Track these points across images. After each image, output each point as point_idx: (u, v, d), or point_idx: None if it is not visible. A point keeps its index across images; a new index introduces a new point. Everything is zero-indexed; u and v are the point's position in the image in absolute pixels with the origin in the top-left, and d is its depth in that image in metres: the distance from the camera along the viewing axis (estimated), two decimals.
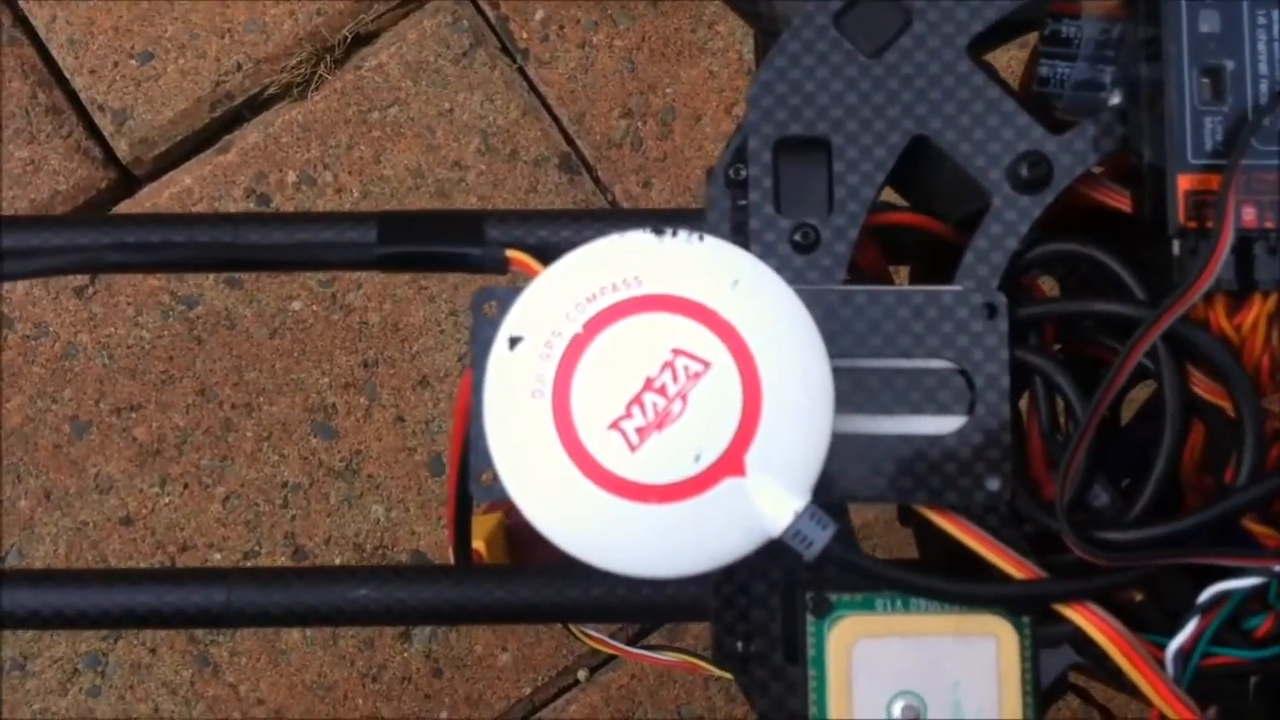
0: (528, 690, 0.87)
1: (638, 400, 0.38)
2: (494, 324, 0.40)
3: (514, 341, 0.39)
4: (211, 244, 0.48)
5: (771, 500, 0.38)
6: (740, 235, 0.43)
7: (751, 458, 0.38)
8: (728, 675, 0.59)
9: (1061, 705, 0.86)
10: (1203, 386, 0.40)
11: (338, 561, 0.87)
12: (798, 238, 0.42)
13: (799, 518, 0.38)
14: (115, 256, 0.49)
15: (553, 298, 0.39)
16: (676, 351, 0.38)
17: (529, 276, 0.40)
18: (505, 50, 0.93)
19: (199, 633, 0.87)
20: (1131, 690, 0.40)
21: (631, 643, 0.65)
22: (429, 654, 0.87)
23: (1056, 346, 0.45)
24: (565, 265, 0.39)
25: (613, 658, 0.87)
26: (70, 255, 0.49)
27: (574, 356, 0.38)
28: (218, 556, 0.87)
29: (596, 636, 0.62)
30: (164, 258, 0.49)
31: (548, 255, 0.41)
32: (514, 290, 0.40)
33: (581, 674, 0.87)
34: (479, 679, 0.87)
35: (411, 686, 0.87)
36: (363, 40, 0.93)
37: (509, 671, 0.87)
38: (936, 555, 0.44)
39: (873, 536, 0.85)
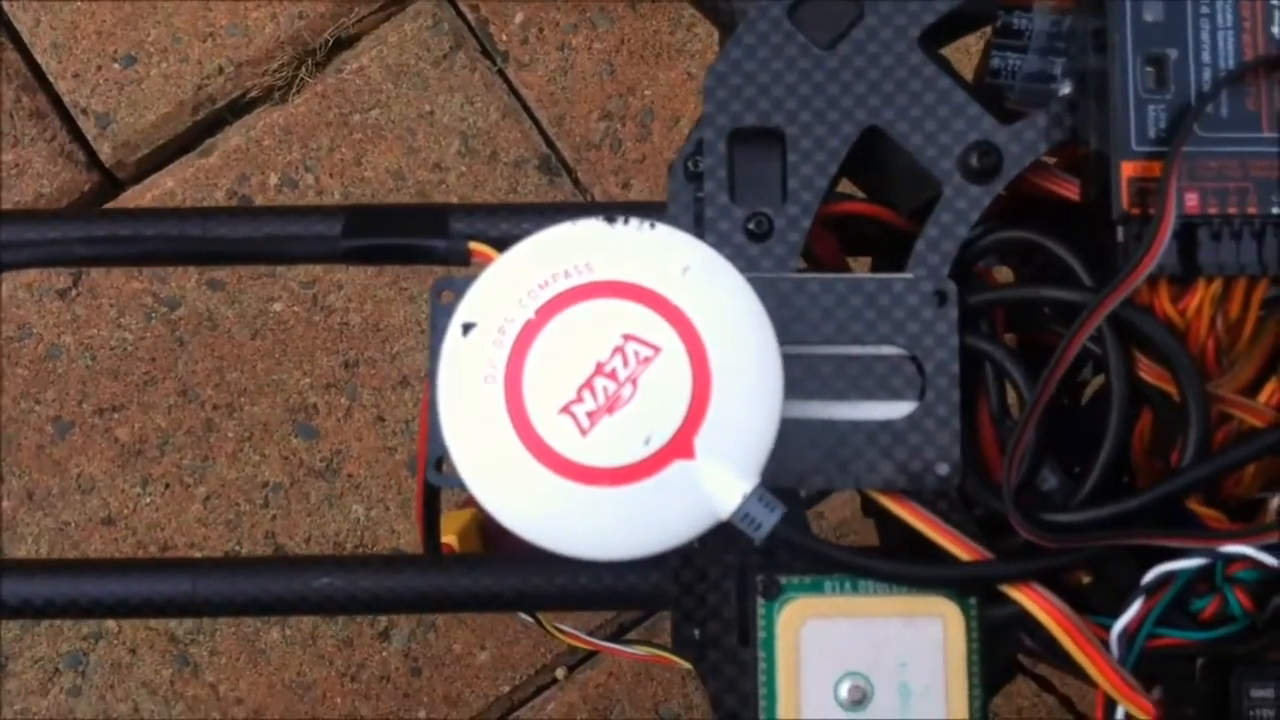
0: (506, 689, 0.87)
1: (588, 385, 0.38)
2: (449, 312, 0.40)
3: (467, 328, 0.39)
4: (180, 238, 0.49)
5: (720, 483, 0.38)
6: (702, 226, 0.43)
7: (701, 441, 0.38)
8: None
9: (1038, 702, 0.86)
10: (1149, 372, 0.41)
11: None
12: (751, 226, 0.43)
13: (747, 500, 0.38)
14: (85, 250, 0.49)
15: (505, 284, 0.39)
16: (627, 336, 0.38)
17: (482, 269, 0.41)
18: (485, 53, 0.93)
19: (179, 632, 0.87)
20: (1079, 673, 0.41)
21: (610, 640, 0.66)
22: (408, 653, 0.87)
23: (1012, 336, 0.45)
24: (518, 253, 0.40)
25: (591, 657, 0.88)
26: (41, 249, 0.50)
27: (526, 342, 0.39)
28: (199, 556, 0.87)
29: (570, 632, 0.63)
30: (133, 251, 0.49)
31: (509, 247, 0.42)
32: (471, 278, 0.41)
33: (560, 672, 0.88)
34: (457, 678, 0.87)
35: (390, 685, 0.87)
36: (344, 44, 0.93)
37: (487, 670, 0.87)
38: (895, 546, 0.44)
39: (850, 533, 0.85)
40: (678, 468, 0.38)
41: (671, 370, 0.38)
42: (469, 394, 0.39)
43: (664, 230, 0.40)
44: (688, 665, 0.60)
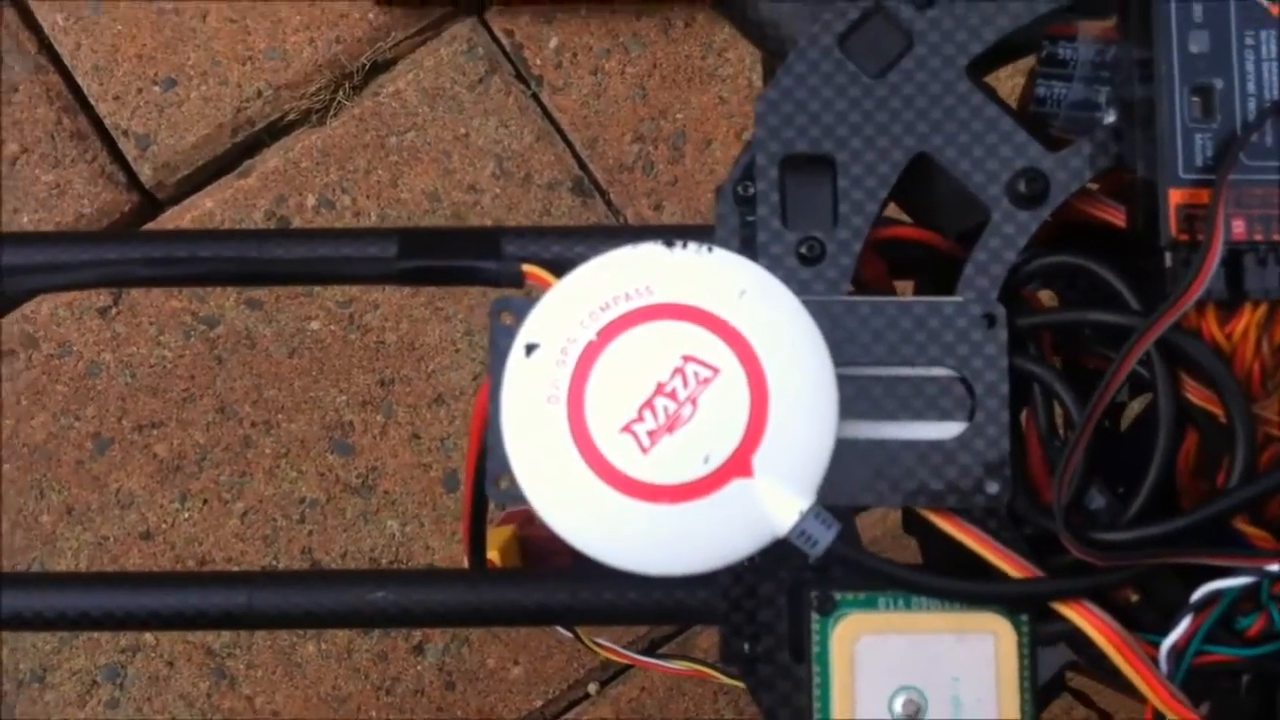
0: (539, 703, 0.88)
1: (649, 404, 0.39)
2: (511, 333, 0.41)
3: (530, 349, 0.40)
4: (236, 259, 0.50)
5: (778, 501, 0.39)
6: (748, 250, 0.44)
7: (759, 460, 0.39)
8: (737, 684, 0.60)
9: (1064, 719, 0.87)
10: (1195, 393, 0.42)
11: None
12: (803, 250, 0.44)
13: (804, 518, 0.39)
14: (143, 271, 0.51)
15: (567, 306, 0.40)
16: (686, 358, 0.39)
17: (544, 290, 0.42)
18: (520, 77, 0.95)
19: (216, 645, 0.88)
20: (1127, 688, 0.41)
21: (644, 655, 0.66)
22: (442, 667, 0.88)
23: (1056, 359, 0.46)
24: (579, 275, 0.41)
25: (623, 671, 0.88)
26: (99, 270, 0.51)
27: (588, 363, 0.40)
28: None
29: (608, 646, 0.64)
30: (190, 272, 0.50)
31: (562, 270, 0.43)
32: (530, 300, 0.42)
33: (592, 687, 0.89)
34: (491, 692, 0.88)
35: (424, 699, 0.88)
36: (381, 67, 0.95)
37: (520, 684, 0.88)
38: (939, 563, 0.45)
39: (880, 551, 0.86)
40: (736, 486, 0.39)
41: (730, 390, 0.39)
42: (533, 413, 0.40)
43: (721, 254, 0.41)
44: (726, 680, 0.60)
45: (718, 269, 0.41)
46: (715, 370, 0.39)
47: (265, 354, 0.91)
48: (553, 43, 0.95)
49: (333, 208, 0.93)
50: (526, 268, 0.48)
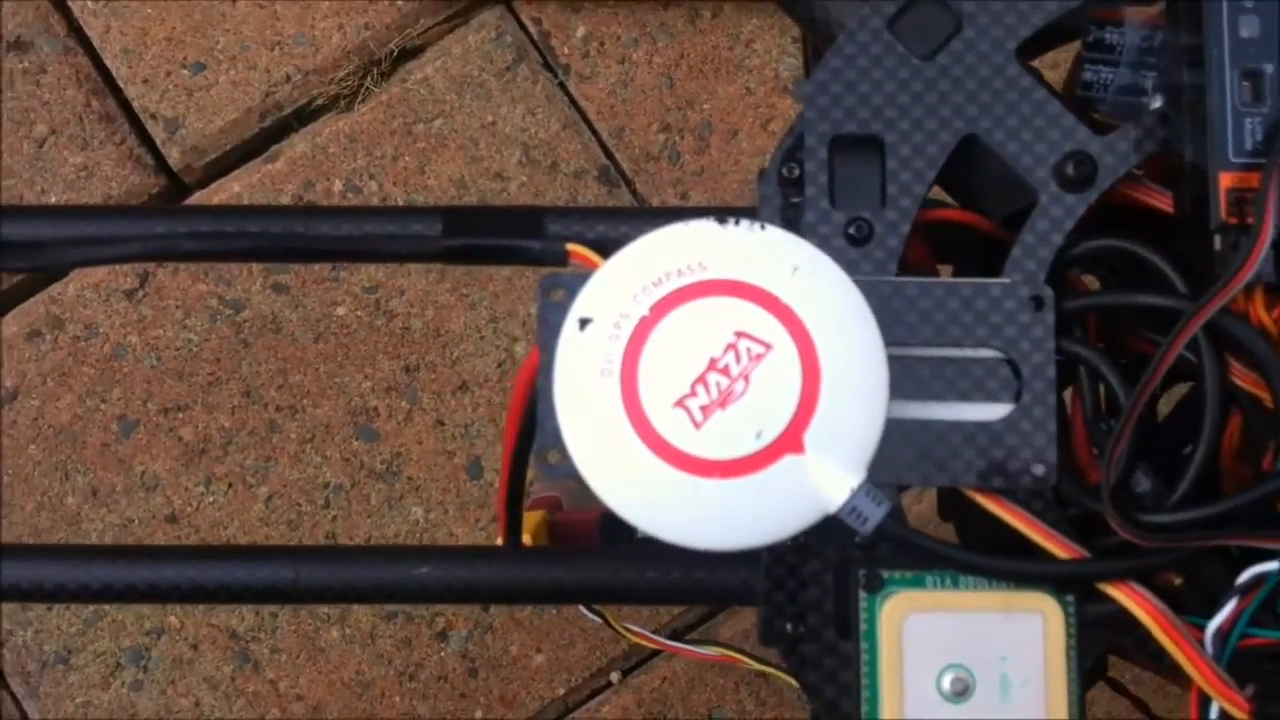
0: (561, 691, 0.88)
1: (702, 380, 0.39)
2: (560, 309, 0.42)
3: (584, 323, 0.41)
4: (283, 234, 0.50)
5: (829, 477, 0.39)
6: (796, 230, 0.45)
7: (810, 436, 0.39)
8: (765, 669, 0.60)
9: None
10: (1241, 377, 0.42)
11: None
12: (851, 231, 0.44)
13: (855, 494, 0.39)
14: (190, 245, 0.51)
15: (621, 281, 0.41)
16: (739, 334, 0.40)
17: (588, 270, 0.42)
18: (547, 65, 0.95)
19: (240, 629, 0.88)
20: (1171, 671, 0.41)
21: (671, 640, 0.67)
22: (465, 654, 0.88)
23: (1100, 344, 0.46)
24: (633, 251, 0.41)
25: (645, 661, 0.89)
26: (146, 243, 0.51)
27: (641, 337, 0.40)
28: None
29: (638, 631, 0.64)
30: (237, 246, 0.51)
31: (606, 250, 0.43)
32: (579, 277, 0.42)
33: (614, 676, 0.89)
34: (514, 679, 0.88)
35: (447, 686, 0.88)
36: (409, 54, 0.95)
37: (543, 672, 0.88)
38: (977, 549, 0.45)
39: None
40: (788, 461, 0.39)
41: (782, 366, 0.39)
42: (586, 387, 0.40)
43: (774, 231, 0.41)
44: (754, 665, 0.61)
45: (770, 246, 0.41)
46: (768, 346, 0.40)
47: (291, 338, 0.91)
48: (580, 31, 0.95)
49: (359, 194, 0.93)
50: (571, 247, 0.48)
